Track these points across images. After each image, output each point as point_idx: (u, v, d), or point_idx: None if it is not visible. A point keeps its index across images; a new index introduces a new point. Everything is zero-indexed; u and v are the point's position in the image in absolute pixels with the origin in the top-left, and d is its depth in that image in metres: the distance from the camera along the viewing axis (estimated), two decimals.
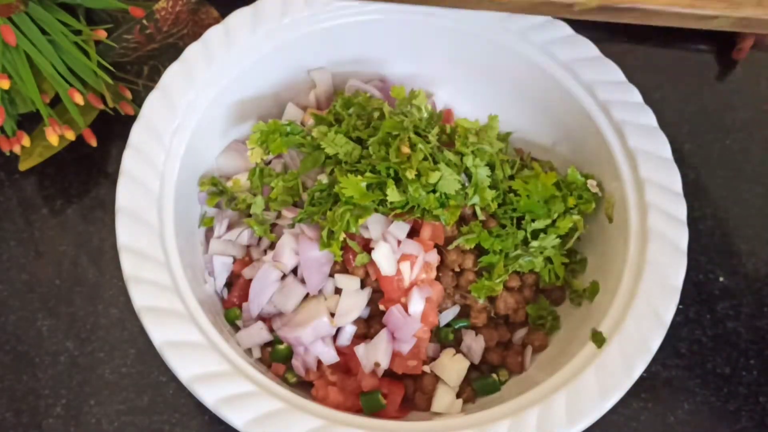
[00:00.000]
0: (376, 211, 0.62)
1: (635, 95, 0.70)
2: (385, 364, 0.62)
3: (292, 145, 0.67)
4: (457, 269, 0.66)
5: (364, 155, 0.64)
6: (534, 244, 0.65)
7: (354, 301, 0.63)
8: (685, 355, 0.72)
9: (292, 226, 0.65)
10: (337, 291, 0.64)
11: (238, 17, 0.70)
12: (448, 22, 0.73)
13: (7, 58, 0.72)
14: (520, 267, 0.66)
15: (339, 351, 0.63)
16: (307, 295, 0.64)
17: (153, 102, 0.66)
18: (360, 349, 0.63)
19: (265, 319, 0.65)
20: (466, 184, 0.64)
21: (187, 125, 0.67)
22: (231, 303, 0.67)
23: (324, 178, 0.65)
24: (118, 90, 0.77)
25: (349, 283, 0.63)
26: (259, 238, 0.68)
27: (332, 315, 0.63)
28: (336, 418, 0.57)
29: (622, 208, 0.66)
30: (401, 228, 0.63)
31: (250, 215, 0.67)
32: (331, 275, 0.64)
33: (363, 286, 0.64)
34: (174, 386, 0.69)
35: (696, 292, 0.75)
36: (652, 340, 0.59)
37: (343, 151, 0.64)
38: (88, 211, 0.77)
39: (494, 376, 0.65)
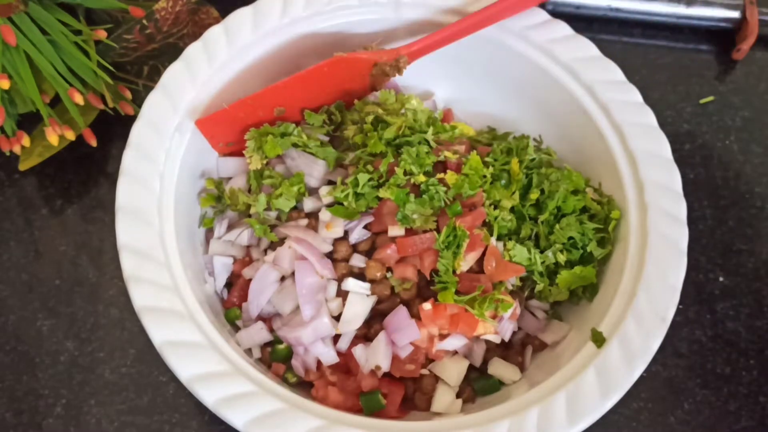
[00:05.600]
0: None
1: (635, 95, 0.69)
2: (385, 366, 0.62)
3: (289, 146, 0.67)
4: None
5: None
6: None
7: (360, 309, 0.63)
8: (685, 355, 0.72)
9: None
10: (339, 294, 0.64)
11: (238, 17, 0.70)
12: None
13: (7, 58, 0.72)
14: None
15: (339, 351, 0.63)
16: None
17: (153, 102, 0.66)
18: (358, 350, 0.63)
19: (265, 319, 0.65)
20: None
21: (187, 125, 0.67)
22: (231, 303, 0.67)
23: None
24: (118, 90, 0.77)
25: (359, 287, 0.63)
26: (259, 238, 0.67)
27: (333, 317, 0.63)
28: (336, 418, 0.57)
29: (622, 208, 0.66)
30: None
31: (250, 215, 0.67)
32: (337, 279, 0.64)
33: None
34: (174, 386, 0.69)
35: (696, 292, 0.75)
36: (652, 340, 0.59)
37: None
38: (88, 211, 0.77)
39: (494, 376, 0.65)
